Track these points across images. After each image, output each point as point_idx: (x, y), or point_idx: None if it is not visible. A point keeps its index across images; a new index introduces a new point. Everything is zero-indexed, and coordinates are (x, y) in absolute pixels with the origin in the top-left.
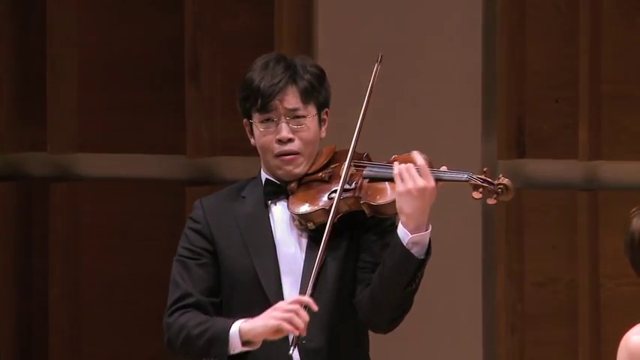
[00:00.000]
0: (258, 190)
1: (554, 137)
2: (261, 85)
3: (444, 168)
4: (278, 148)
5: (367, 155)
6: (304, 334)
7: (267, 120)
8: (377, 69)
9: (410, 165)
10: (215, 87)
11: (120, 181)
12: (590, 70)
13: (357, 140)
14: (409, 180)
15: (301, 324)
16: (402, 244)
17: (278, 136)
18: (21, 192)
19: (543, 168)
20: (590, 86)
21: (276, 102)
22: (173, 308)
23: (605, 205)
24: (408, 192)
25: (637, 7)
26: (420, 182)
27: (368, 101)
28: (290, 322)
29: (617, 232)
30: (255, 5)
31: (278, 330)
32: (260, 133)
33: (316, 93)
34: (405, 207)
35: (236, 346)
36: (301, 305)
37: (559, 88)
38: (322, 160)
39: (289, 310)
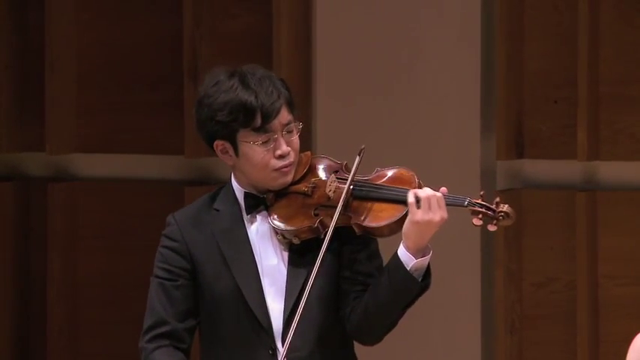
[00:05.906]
0: (231, 203)
1: (553, 137)
2: (261, 105)
3: (443, 190)
4: (278, 163)
5: (346, 165)
6: None
7: (266, 139)
8: (358, 161)
9: (432, 195)
10: None
11: (118, 181)
12: (589, 71)
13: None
14: (429, 211)
15: None
16: (406, 268)
17: (279, 152)
18: (19, 192)
19: (542, 168)
20: (589, 87)
21: (276, 120)
22: (148, 336)
23: (603, 205)
24: (427, 222)
25: (635, 7)
26: (439, 216)
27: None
28: None
29: (615, 233)
30: (254, 5)
31: None
32: (257, 153)
33: (293, 100)
34: (413, 234)
35: None
36: None
37: (558, 88)
38: (301, 170)
39: None
